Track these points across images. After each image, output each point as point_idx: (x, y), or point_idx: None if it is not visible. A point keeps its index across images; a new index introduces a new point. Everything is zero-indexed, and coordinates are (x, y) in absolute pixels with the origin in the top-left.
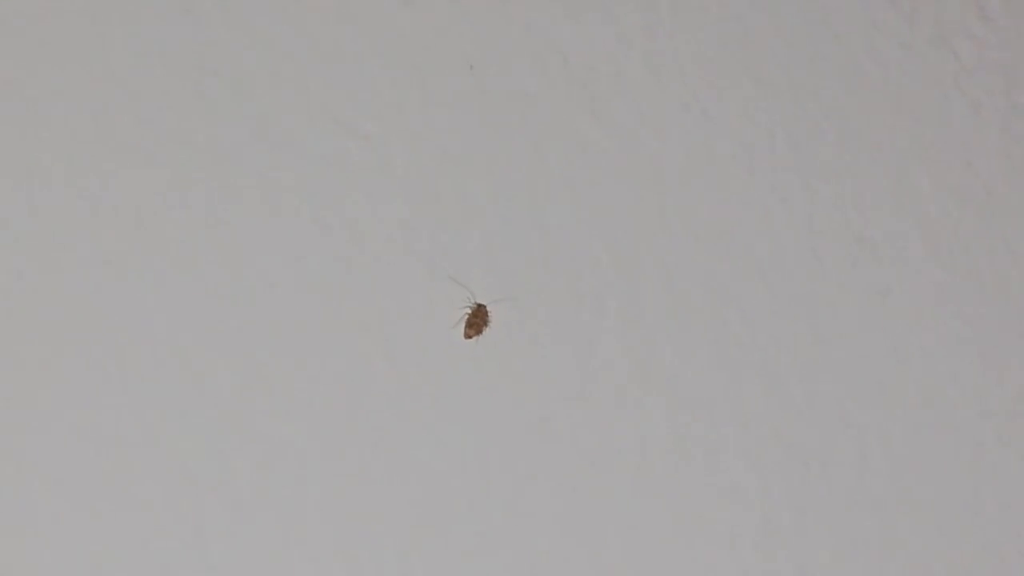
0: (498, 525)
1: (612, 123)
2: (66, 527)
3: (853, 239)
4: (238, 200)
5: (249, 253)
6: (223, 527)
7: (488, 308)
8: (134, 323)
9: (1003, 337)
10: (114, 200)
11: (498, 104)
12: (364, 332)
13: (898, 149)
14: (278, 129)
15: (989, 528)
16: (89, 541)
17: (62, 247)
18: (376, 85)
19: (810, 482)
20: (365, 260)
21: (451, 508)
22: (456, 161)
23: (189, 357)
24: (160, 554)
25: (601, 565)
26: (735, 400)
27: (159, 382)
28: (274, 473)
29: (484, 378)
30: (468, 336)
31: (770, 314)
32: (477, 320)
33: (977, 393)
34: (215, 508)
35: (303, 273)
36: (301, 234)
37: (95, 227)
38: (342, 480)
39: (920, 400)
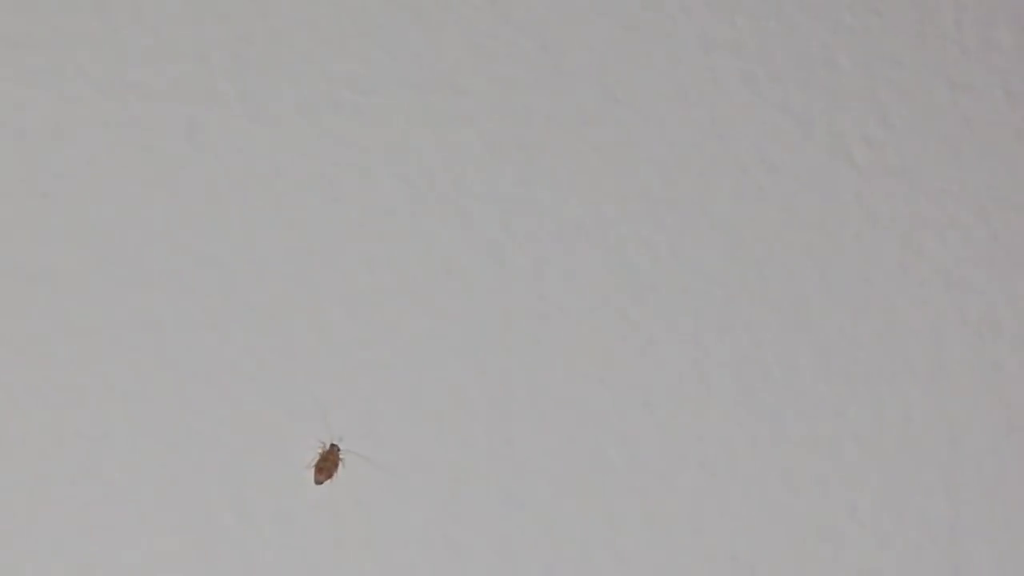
0: None
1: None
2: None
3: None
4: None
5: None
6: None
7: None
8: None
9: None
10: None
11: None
12: (208, 472)
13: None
14: None
15: None
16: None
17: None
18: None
19: None
20: (212, 392)
21: None
22: None
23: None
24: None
25: None
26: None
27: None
28: None
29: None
30: (319, 481)
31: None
32: (327, 464)
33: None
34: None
35: (150, 410)
36: (144, 362)
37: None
38: None
39: None
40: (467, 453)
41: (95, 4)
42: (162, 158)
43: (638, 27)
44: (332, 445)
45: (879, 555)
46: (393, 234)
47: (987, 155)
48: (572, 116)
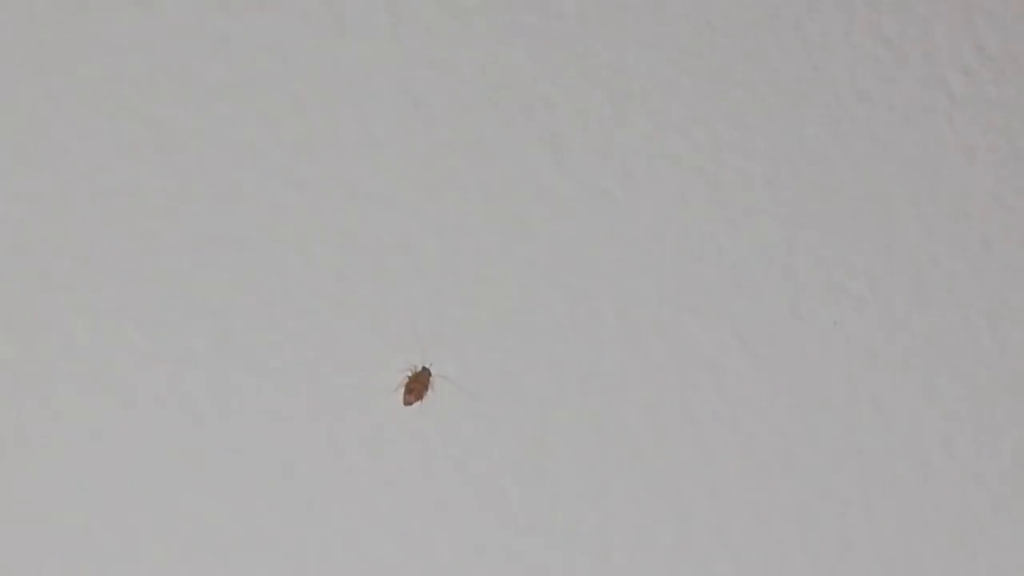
0: None
1: (576, 169)
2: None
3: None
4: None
5: (178, 301)
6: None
7: (431, 372)
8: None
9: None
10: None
11: (448, 144)
12: (300, 395)
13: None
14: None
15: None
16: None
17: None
18: (312, 129)
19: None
20: (299, 317)
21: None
22: (403, 207)
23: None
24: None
25: None
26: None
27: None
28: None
29: (426, 447)
30: (408, 403)
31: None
32: (417, 385)
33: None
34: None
35: (234, 332)
36: (234, 285)
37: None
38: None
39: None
40: (557, 380)
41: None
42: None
43: None
44: (423, 368)
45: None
46: (482, 159)
47: None
48: (668, 43)
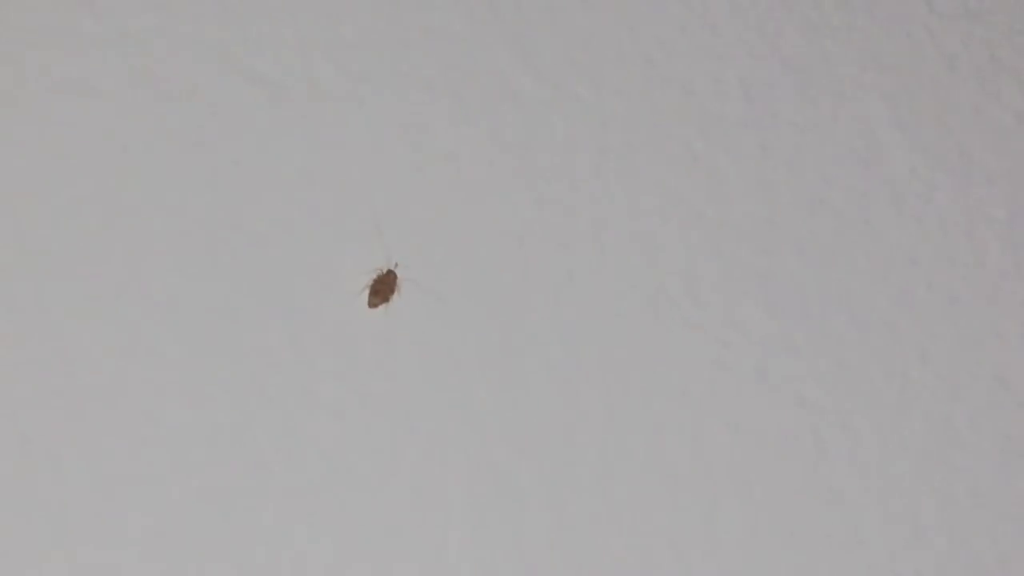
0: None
1: (543, 71)
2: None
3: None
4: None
5: (144, 214)
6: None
7: (397, 275)
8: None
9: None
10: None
11: (419, 41)
12: (263, 298)
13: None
14: (170, 76)
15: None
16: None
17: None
18: (283, 28)
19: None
20: (263, 219)
21: (347, 487)
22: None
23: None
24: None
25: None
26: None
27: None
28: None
29: (393, 352)
30: (373, 305)
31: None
32: (383, 287)
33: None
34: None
35: (198, 235)
36: (195, 190)
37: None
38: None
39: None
40: (525, 286)
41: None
42: None
43: None
44: (389, 270)
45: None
46: (453, 54)
47: None
48: None
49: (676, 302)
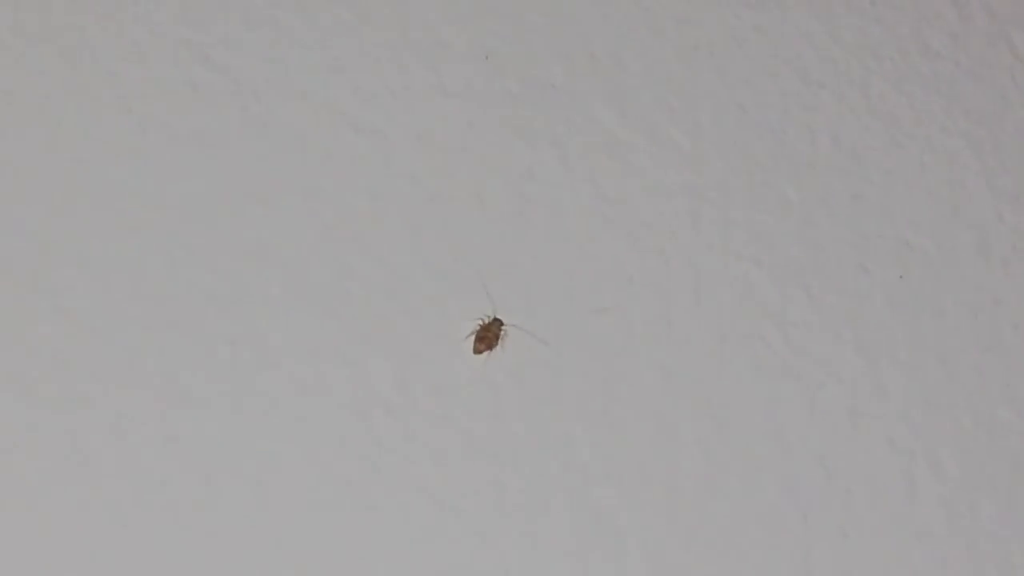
0: (509, 549)
1: (639, 119)
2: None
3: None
4: (240, 201)
5: (249, 258)
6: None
7: (503, 323)
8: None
9: None
10: (120, 198)
11: (515, 97)
12: (369, 342)
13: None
14: (282, 124)
15: None
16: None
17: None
18: (385, 78)
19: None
20: (371, 265)
21: (450, 527)
22: (470, 158)
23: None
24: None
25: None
26: (773, 420)
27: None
28: (275, 483)
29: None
30: (478, 351)
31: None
32: (488, 335)
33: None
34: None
35: (305, 279)
36: (304, 236)
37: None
38: (341, 493)
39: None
40: (626, 332)
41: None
42: None
43: None
44: (495, 318)
45: None
46: (553, 104)
47: None
48: None
49: (771, 346)
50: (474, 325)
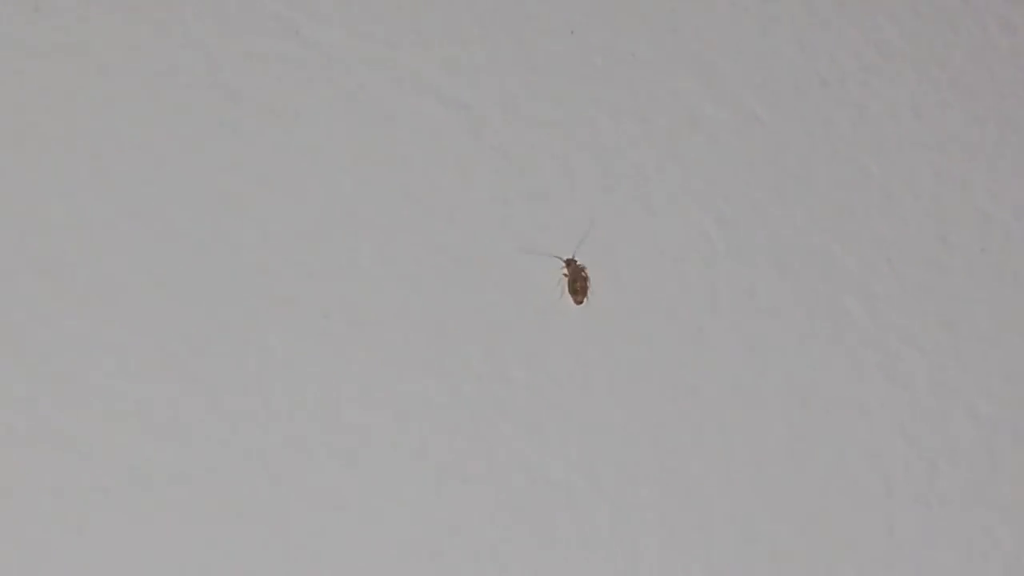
0: (601, 525)
1: (721, 93)
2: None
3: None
4: (331, 173)
5: (340, 228)
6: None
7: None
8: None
9: None
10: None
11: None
12: (457, 315)
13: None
14: (370, 98)
15: None
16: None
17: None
18: (471, 52)
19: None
20: (459, 237)
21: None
22: (555, 130)
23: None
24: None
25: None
26: (857, 391)
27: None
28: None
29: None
30: (578, 302)
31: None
32: (577, 286)
33: None
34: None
35: (394, 250)
36: (394, 208)
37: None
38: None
39: None
40: (708, 302)
41: None
42: None
43: None
44: (568, 260)
45: None
46: (636, 77)
47: None
48: None
49: (853, 317)
50: (562, 282)
